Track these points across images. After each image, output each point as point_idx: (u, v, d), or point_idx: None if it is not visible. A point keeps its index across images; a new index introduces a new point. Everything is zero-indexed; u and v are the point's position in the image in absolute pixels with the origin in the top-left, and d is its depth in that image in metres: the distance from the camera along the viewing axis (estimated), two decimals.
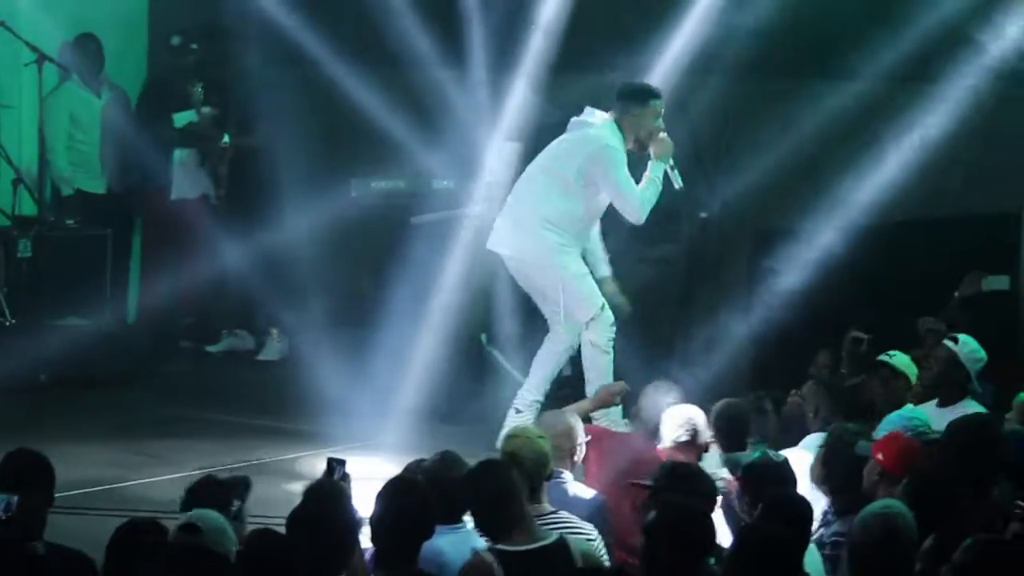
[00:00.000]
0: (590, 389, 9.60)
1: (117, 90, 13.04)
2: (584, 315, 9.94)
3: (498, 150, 11.36)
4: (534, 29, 11.39)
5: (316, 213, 11.83)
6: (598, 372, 9.77)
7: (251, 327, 13.02)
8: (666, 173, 9.95)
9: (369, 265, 12.59)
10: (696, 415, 8.02)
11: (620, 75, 10.97)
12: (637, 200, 9.86)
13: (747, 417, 8.18)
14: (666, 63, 10.89)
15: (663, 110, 10.02)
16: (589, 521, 7.01)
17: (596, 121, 9.96)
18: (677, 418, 8.00)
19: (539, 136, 10.79)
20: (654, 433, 8.23)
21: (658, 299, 10.39)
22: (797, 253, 10.85)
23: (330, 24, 12.27)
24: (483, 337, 10.92)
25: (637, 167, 9.98)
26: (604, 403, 9.15)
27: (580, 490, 7.54)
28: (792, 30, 11.95)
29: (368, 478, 6.67)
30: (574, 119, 10.10)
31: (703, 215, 11.90)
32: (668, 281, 11.64)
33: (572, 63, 11.56)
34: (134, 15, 13.56)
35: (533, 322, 10.89)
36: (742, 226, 11.32)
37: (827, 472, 7.34)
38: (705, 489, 6.81)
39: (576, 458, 7.73)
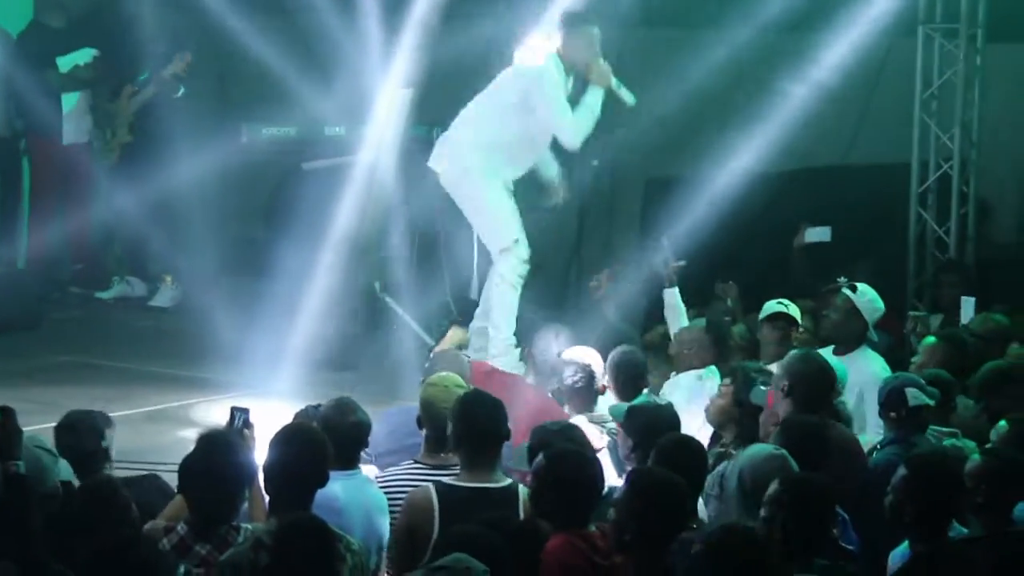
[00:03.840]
0: (492, 325, 9.63)
1: (1, 34, 12.86)
2: (495, 244, 9.89)
3: (389, 96, 11.35)
4: None
5: (207, 159, 11.77)
6: (502, 308, 9.72)
7: (143, 273, 12.95)
8: (615, 95, 9.91)
9: (261, 211, 12.59)
10: (592, 360, 8.05)
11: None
12: (571, 125, 9.84)
13: (642, 365, 8.26)
14: (556, 13, 10.93)
15: (597, 39, 9.95)
16: None
17: (541, 53, 9.99)
18: (573, 363, 8.03)
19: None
20: (547, 377, 8.30)
21: (551, 246, 10.44)
22: (687, 201, 10.96)
23: None
24: (376, 284, 10.93)
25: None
26: None
27: None
28: None
29: (261, 425, 6.69)
30: (520, 51, 10.13)
31: (595, 163, 11.97)
32: (560, 229, 11.72)
33: (462, 11, 11.56)
34: None
35: (426, 268, 10.94)
36: (633, 174, 11.41)
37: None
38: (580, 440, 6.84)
39: None
